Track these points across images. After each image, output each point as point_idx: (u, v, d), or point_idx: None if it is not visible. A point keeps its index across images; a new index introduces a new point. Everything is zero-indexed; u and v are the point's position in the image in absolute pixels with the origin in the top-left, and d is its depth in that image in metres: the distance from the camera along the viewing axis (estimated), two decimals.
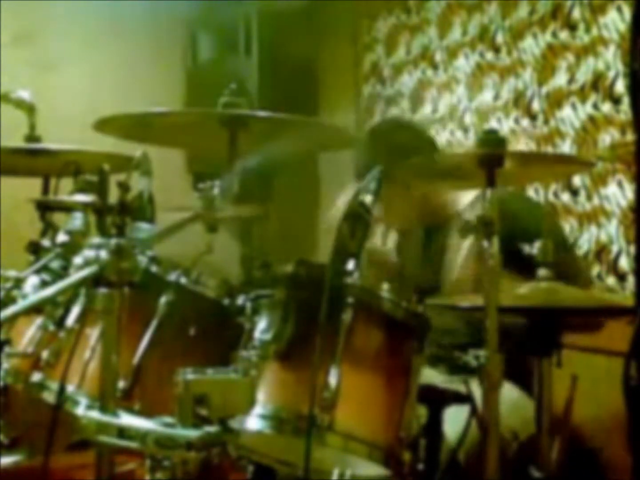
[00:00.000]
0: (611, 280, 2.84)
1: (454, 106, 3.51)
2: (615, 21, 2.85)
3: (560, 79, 3.06)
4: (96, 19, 3.85)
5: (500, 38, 3.32)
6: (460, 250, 2.35)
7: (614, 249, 2.84)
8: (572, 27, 3.02)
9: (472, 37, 3.45)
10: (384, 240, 2.64)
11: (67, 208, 1.85)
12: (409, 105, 3.75)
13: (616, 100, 2.85)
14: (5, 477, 1.91)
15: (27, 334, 1.80)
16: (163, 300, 1.79)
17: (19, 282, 1.78)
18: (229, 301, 1.82)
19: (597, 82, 2.92)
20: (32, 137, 2.47)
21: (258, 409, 1.60)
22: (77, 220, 1.84)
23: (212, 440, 1.44)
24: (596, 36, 2.93)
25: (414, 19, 3.75)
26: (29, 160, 2.49)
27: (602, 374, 2.02)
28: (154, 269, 1.81)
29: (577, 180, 2.97)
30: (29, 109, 2.46)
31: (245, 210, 2.20)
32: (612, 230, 2.85)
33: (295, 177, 3.93)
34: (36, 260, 1.85)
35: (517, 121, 3.23)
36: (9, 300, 1.72)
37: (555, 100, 3.07)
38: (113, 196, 1.59)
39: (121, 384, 1.68)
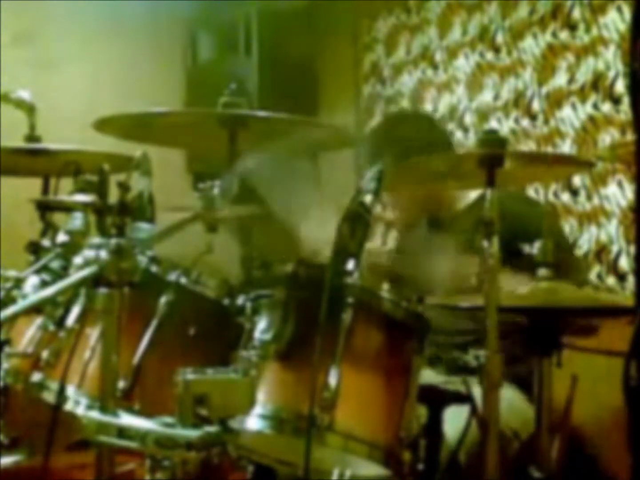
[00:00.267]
0: (611, 280, 2.84)
1: (454, 106, 3.51)
2: (615, 21, 2.86)
3: (560, 79, 3.06)
4: (96, 19, 3.85)
5: (500, 38, 3.32)
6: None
7: (614, 249, 2.84)
8: (572, 27, 3.02)
9: (472, 37, 3.45)
10: (384, 240, 2.63)
11: (67, 208, 1.84)
12: (409, 105, 3.75)
13: (616, 100, 2.85)
14: (5, 477, 1.91)
15: (27, 334, 1.80)
16: (163, 300, 1.79)
17: (19, 282, 1.78)
18: (229, 301, 1.82)
19: (597, 82, 2.92)
20: (32, 137, 2.46)
21: (258, 409, 1.60)
22: (77, 220, 1.84)
23: (212, 440, 1.44)
24: (596, 36, 2.93)
25: (414, 19, 3.75)
26: (29, 160, 2.48)
27: (602, 374, 2.02)
28: (154, 269, 1.81)
29: (577, 180, 2.97)
30: (29, 109, 2.45)
31: (245, 210, 2.20)
32: (612, 230, 2.85)
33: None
34: (36, 260, 1.85)
35: (517, 121, 3.23)
36: (9, 300, 1.72)
37: (555, 100, 3.07)
38: (113, 196, 1.58)
39: (121, 384, 1.68)
